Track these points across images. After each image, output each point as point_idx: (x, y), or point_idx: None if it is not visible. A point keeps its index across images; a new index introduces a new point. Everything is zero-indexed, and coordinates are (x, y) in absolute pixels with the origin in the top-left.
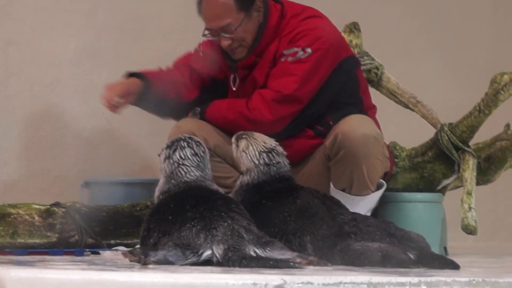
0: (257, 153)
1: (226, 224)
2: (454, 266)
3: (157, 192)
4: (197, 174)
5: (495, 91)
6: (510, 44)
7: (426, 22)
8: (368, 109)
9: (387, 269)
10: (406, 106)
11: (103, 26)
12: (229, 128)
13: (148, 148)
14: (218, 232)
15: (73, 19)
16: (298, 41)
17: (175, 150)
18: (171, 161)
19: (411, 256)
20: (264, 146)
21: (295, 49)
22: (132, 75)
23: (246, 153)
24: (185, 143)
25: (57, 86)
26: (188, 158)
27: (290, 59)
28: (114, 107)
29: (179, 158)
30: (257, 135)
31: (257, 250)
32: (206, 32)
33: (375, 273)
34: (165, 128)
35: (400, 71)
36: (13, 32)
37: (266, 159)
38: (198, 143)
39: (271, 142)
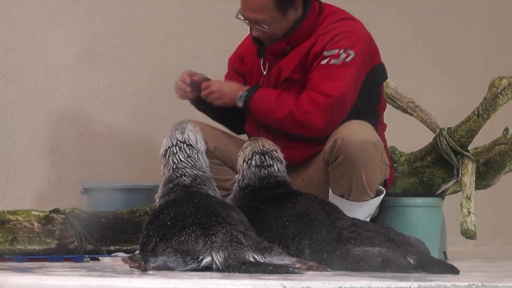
0: (250, 153)
1: (224, 230)
2: (454, 271)
3: (157, 194)
4: (192, 175)
5: (494, 95)
6: (507, 48)
7: (423, 26)
8: (379, 124)
9: (386, 274)
10: (405, 111)
11: (100, 32)
12: (274, 124)
13: (147, 154)
14: (217, 238)
15: (71, 24)
16: (339, 42)
17: (169, 157)
18: (168, 165)
19: (411, 261)
20: (260, 148)
21: (337, 50)
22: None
23: (242, 153)
24: (177, 148)
25: (55, 92)
26: (182, 161)
27: (333, 61)
28: (182, 90)
29: (172, 163)
30: (264, 139)
31: (256, 256)
32: (240, 16)
33: (374, 278)
34: (164, 133)
35: (398, 76)
36: (11, 38)
37: (257, 161)
38: (190, 146)
39: (270, 146)
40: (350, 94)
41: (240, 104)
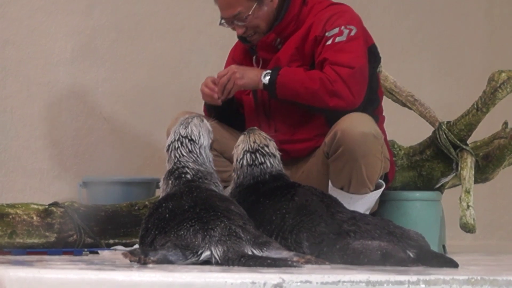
0: (242, 152)
1: (223, 224)
2: (453, 264)
3: (161, 188)
4: (194, 169)
5: (493, 89)
6: (506, 42)
7: (422, 21)
8: (379, 113)
9: (385, 268)
10: (404, 105)
11: (99, 26)
12: (305, 98)
13: (146, 148)
14: (216, 233)
15: (69, 19)
16: (337, 20)
17: (171, 151)
18: (170, 160)
19: (411, 254)
20: (250, 146)
21: (338, 28)
22: None
23: (236, 150)
24: (179, 143)
25: (54, 86)
26: (183, 155)
27: (338, 38)
28: (210, 91)
29: (174, 157)
30: (257, 132)
31: (254, 250)
32: (222, 21)
33: (373, 272)
34: (163, 127)
35: (398, 70)
36: (10, 32)
37: (248, 160)
38: (192, 141)
39: (260, 141)
40: (365, 64)
41: (265, 81)
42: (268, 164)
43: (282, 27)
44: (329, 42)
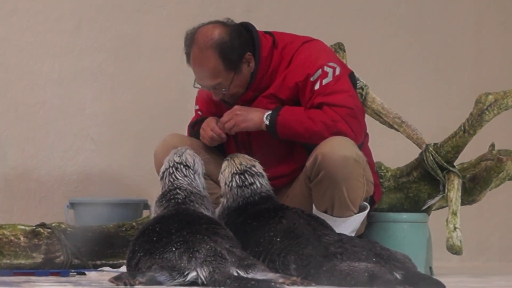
0: (230, 175)
1: (208, 246)
2: (440, 286)
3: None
4: (187, 191)
5: (480, 111)
6: (493, 64)
7: (410, 42)
8: (364, 133)
9: None
10: (391, 126)
11: (87, 46)
12: (306, 137)
13: (133, 169)
14: (201, 254)
15: (57, 39)
16: (316, 61)
17: (166, 177)
18: (165, 186)
19: (398, 276)
20: (238, 168)
21: (320, 69)
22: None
23: (222, 175)
24: (173, 169)
25: (42, 107)
26: (178, 179)
27: (325, 80)
28: (219, 137)
29: (168, 181)
30: (241, 156)
31: (239, 272)
32: (197, 85)
33: None
34: (151, 148)
35: (385, 91)
36: None
37: (238, 181)
38: (187, 167)
39: (247, 163)
40: (359, 102)
41: (266, 122)
42: (258, 184)
43: (257, 84)
44: (317, 86)
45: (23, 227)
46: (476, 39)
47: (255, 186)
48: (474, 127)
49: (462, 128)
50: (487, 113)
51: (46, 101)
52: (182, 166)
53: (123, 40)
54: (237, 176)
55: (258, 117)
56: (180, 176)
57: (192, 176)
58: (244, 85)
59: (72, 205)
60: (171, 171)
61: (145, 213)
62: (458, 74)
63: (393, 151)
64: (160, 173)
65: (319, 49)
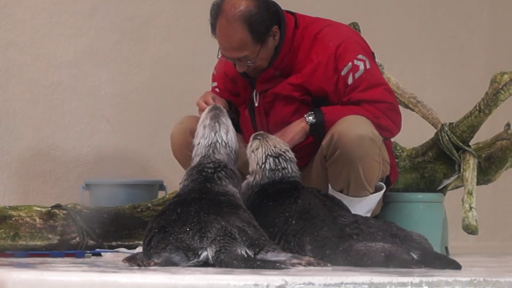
0: (264, 156)
1: (219, 226)
2: (456, 266)
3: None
4: (221, 163)
5: (495, 90)
6: (509, 44)
7: (425, 22)
8: None
9: (388, 269)
10: (406, 106)
11: (102, 27)
12: None
13: (148, 150)
14: (211, 234)
15: (72, 20)
16: (345, 53)
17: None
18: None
19: (414, 256)
20: (272, 150)
21: (350, 63)
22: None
23: (254, 154)
24: (221, 145)
25: (57, 88)
26: (220, 154)
27: (357, 74)
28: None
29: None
30: (272, 137)
31: (248, 252)
32: (221, 56)
33: (376, 273)
34: (165, 129)
35: (400, 71)
36: (13, 34)
37: (272, 164)
38: (230, 148)
39: (281, 147)
40: (394, 94)
41: (313, 121)
42: (290, 169)
43: (279, 61)
44: (350, 80)
45: (38, 208)
46: (491, 18)
47: (286, 171)
48: (490, 106)
49: (478, 107)
50: (503, 92)
51: (61, 82)
52: (227, 146)
53: (138, 21)
54: (271, 159)
55: (296, 124)
56: (224, 152)
57: (233, 156)
58: (268, 58)
59: (88, 186)
60: (218, 147)
61: (160, 194)
62: (473, 53)
63: (408, 131)
64: (205, 143)
65: (345, 38)
